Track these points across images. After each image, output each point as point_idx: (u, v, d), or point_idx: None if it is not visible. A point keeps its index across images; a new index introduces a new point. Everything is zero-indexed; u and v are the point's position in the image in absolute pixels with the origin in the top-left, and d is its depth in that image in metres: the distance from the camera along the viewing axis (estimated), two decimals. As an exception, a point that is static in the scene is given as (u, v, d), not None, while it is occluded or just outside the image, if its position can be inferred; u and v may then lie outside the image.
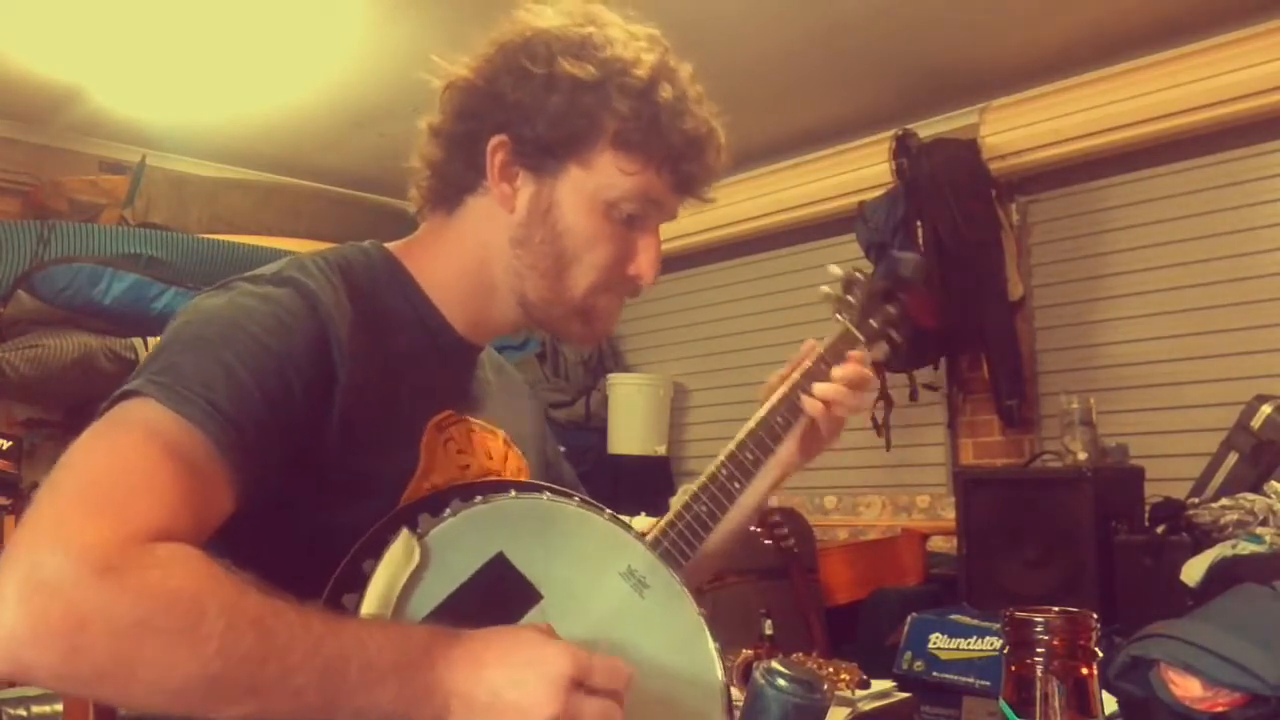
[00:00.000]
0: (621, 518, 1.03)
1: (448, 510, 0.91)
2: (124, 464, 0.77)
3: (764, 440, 1.18)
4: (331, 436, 0.90)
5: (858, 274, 1.34)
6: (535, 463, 1.16)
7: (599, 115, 0.99)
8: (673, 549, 1.07)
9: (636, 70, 0.99)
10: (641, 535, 1.04)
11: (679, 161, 1.02)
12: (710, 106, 1.04)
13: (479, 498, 0.94)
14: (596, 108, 0.99)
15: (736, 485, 1.15)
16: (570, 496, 1.01)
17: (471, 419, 1.07)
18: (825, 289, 1.34)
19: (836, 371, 1.23)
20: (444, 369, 1.05)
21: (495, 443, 1.10)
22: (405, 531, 0.88)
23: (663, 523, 1.08)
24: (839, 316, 1.30)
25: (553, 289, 1.03)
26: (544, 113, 0.99)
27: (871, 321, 1.31)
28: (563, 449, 1.36)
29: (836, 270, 1.35)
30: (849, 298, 1.32)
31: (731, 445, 1.16)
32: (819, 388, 1.22)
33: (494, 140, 1.01)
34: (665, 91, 0.99)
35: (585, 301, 1.04)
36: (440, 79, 1.05)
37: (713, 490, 1.13)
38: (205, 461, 0.80)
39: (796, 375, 1.23)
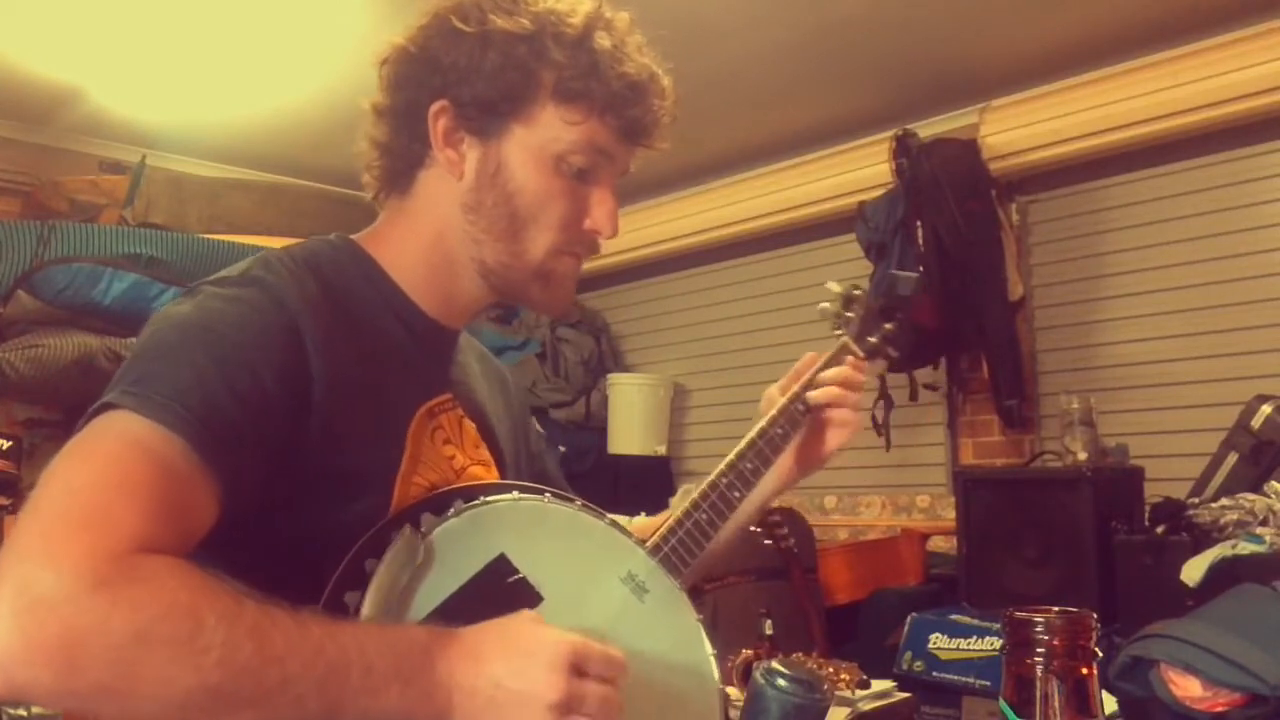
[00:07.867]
0: (621, 524, 1.04)
1: (451, 510, 0.92)
2: (104, 476, 0.77)
3: (763, 451, 1.19)
4: (313, 434, 0.89)
5: (856, 290, 1.36)
6: (510, 451, 1.16)
7: (536, 68, 0.98)
8: (673, 555, 1.07)
9: (571, 19, 0.98)
10: (642, 541, 1.04)
11: (622, 107, 1.00)
12: (652, 55, 1.03)
13: (482, 498, 0.94)
14: (533, 60, 0.98)
15: (737, 494, 1.15)
16: (572, 500, 1.02)
17: (461, 407, 1.07)
18: (825, 305, 1.35)
19: (826, 374, 1.25)
20: (421, 356, 1.04)
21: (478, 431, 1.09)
22: (408, 530, 0.88)
23: (664, 529, 1.08)
24: (838, 332, 1.32)
25: (510, 251, 1.01)
26: (481, 71, 0.97)
27: (870, 338, 1.33)
28: (562, 449, 1.36)
29: (835, 287, 1.37)
30: (848, 313, 1.34)
31: (732, 455, 1.17)
32: (813, 393, 1.24)
33: (435, 106, 1.00)
34: (602, 39, 0.99)
35: (545, 264, 1.02)
36: (378, 57, 1.05)
37: (713, 499, 1.13)
38: (184, 465, 0.80)
39: (797, 388, 1.24)
